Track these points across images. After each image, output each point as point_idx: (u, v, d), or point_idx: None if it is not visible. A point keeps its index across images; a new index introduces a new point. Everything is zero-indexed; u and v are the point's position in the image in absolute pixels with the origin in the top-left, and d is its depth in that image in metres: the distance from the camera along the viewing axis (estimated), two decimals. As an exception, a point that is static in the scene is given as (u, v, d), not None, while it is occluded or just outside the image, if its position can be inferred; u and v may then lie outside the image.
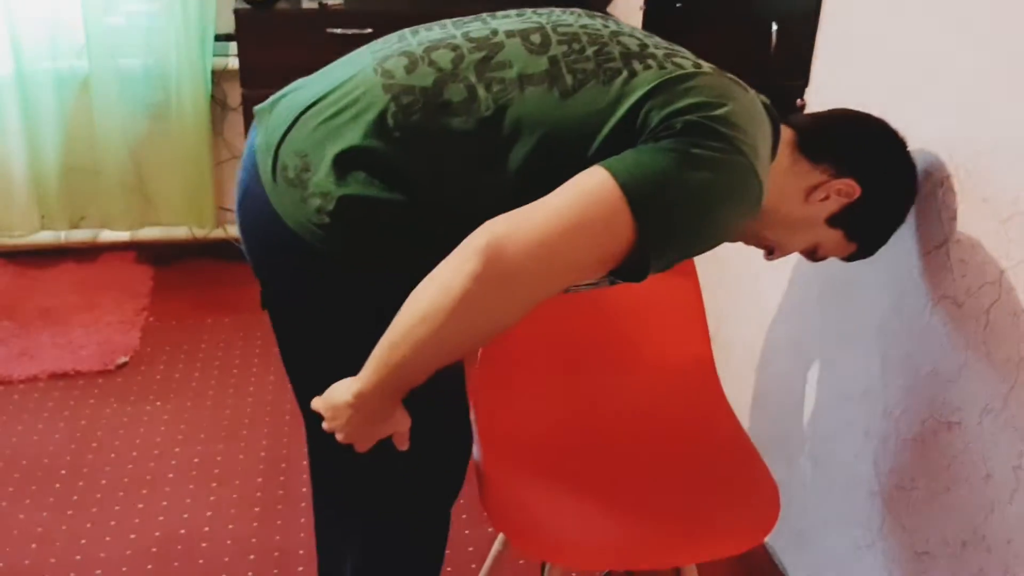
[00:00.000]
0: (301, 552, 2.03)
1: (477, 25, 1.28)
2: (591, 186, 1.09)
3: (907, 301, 1.50)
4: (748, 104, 1.21)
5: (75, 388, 2.56)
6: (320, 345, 1.30)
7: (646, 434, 1.69)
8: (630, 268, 1.11)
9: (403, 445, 1.26)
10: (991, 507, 1.33)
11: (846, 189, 1.31)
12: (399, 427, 1.24)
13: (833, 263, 1.70)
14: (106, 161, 3.07)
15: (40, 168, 3.06)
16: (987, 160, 1.30)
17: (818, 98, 1.73)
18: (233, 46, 2.99)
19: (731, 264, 2.17)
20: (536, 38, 1.23)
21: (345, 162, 1.18)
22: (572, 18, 1.29)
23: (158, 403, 2.52)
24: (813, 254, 1.41)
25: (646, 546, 1.46)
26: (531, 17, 1.29)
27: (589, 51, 1.22)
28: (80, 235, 3.23)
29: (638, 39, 1.25)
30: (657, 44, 1.26)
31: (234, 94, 3.12)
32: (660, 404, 1.74)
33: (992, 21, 1.28)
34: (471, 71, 1.20)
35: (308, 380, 1.36)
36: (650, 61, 1.21)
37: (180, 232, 3.27)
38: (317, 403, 1.24)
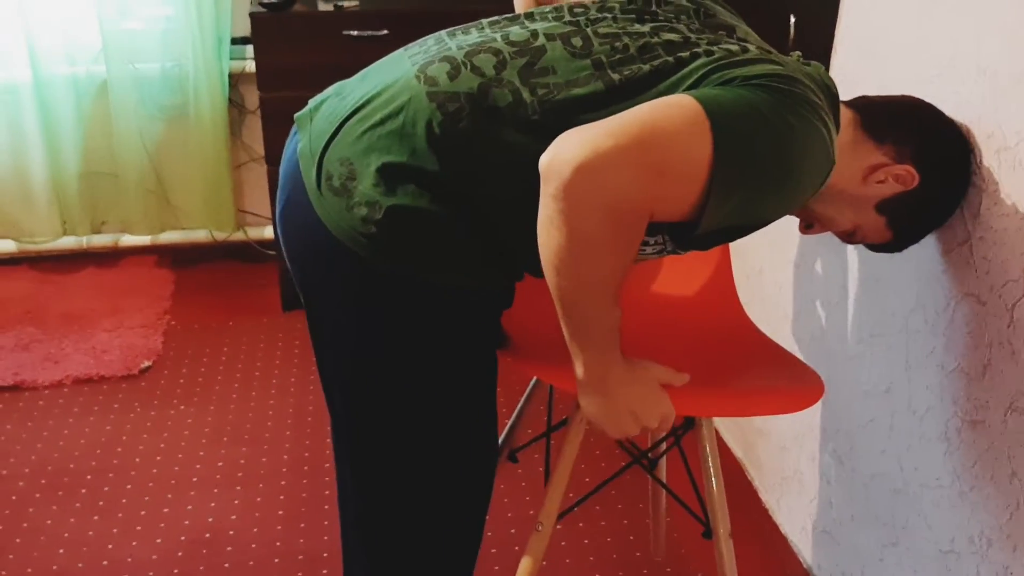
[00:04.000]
0: (325, 555, 2.04)
1: (516, 28, 1.27)
2: (671, 100, 1.08)
3: (930, 298, 1.49)
4: (811, 73, 1.21)
5: (99, 393, 2.58)
6: (359, 353, 1.30)
7: (677, 348, 1.62)
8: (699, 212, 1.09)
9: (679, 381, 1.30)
10: (1017, 505, 1.32)
11: (906, 176, 1.29)
12: (662, 375, 1.28)
13: (859, 259, 1.69)
14: (125, 165, 3.09)
15: (60, 174, 3.08)
16: (1010, 156, 1.29)
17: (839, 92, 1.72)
18: (250, 49, 3.00)
19: (754, 258, 2.16)
20: (577, 41, 1.22)
21: (392, 173, 1.18)
22: (610, 16, 1.27)
23: (182, 407, 2.54)
24: (851, 236, 1.39)
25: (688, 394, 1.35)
26: (569, 18, 1.27)
27: (632, 49, 1.20)
28: (101, 240, 3.25)
29: (680, 33, 1.23)
30: (701, 30, 1.25)
31: (251, 97, 3.13)
32: (688, 330, 1.70)
33: (1017, 11, 1.27)
34: (515, 76, 1.19)
35: (345, 387, 1.36)
36: (696, 50, 1.19)
37: (200, 235, 3.28)
38: (614, 436, 1.27)
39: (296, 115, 1.34)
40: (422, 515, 1.39)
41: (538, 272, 1.21)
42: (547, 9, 1.31)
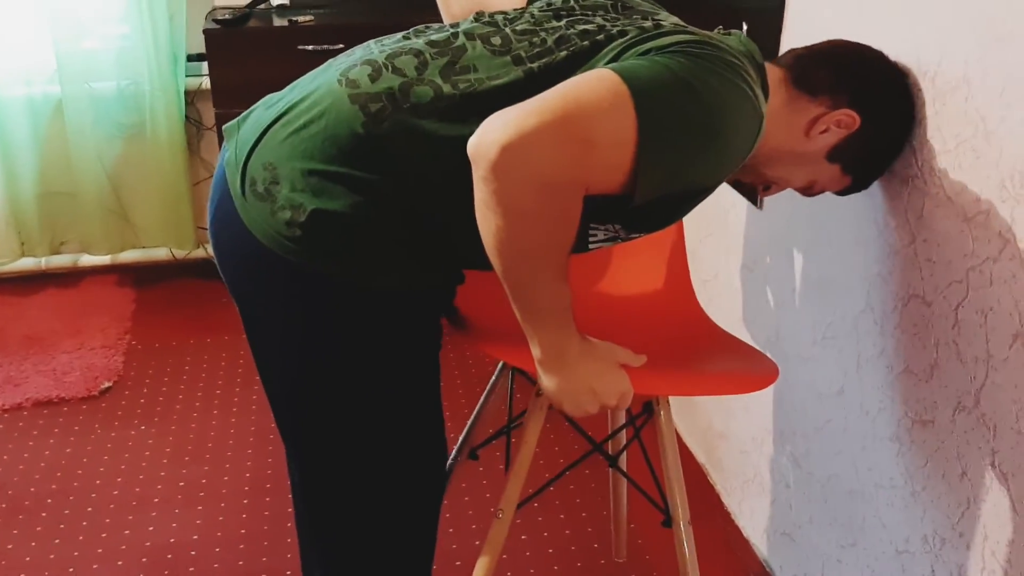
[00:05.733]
0: (288, 573, 2.03)
1: (436, 30, 1.29)
2: (590, 74, 1.09)
3: (878, 300, 1.51)
4: (731, 44, 1.22)
5: (60, 415, 2.55)
6: (296, 359, 1.30)
7: (634, 336, 1.60)
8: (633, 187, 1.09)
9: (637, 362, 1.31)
10: (968, 504, 1.34)
11: (846, 119, 1.29)
12: (620, 355, 1.28)
13: (809, 262, 1.71)
14: (83, 185, 3.07)
15: (17, 195, 3.05)
16: (951, 159, 1.31)
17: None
18: (206, 66, 2.98)
19: (708, 264, 2.17)
20: (497, 40, 1.23)
21: (317, 177, 1.18)
22: (528, 15, 1.29)
23: (143, 427, 2.51)
24: (809, 190, 1.40)
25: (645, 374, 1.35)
26: (488, 19, 1.29)
27: (550, 42, 1.21)
28: (61, 260, 3.22)
29: (595, 23, 1.24)
30: (616, 19, 1.26)
31: (209, 114, 3.11)
32: (645, 320, 1.71)
33: (951, 15, 1.29)
34: (436, 75, 1.20)
35: (284, 395, 1.36)
36: (611, 32, 1.20)
37: (160, 253, 3.26)
38: (570, 414, 1.28)
39: (224, 127, 1.34)
40: (373, 518, 1.40)
41: (479, 266, 1.22)
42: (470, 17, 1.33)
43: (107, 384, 2.68)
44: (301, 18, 2.78)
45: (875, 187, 1.48)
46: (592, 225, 1.23)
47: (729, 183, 1.26)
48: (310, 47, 2.72)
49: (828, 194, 1.61)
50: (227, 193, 1.26)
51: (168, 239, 3.21)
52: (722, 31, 1.30)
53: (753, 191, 1.88)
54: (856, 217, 1.54)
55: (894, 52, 1.39)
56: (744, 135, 1.16)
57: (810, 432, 1.77)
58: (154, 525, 2.16)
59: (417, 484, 1.41)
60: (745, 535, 2.10)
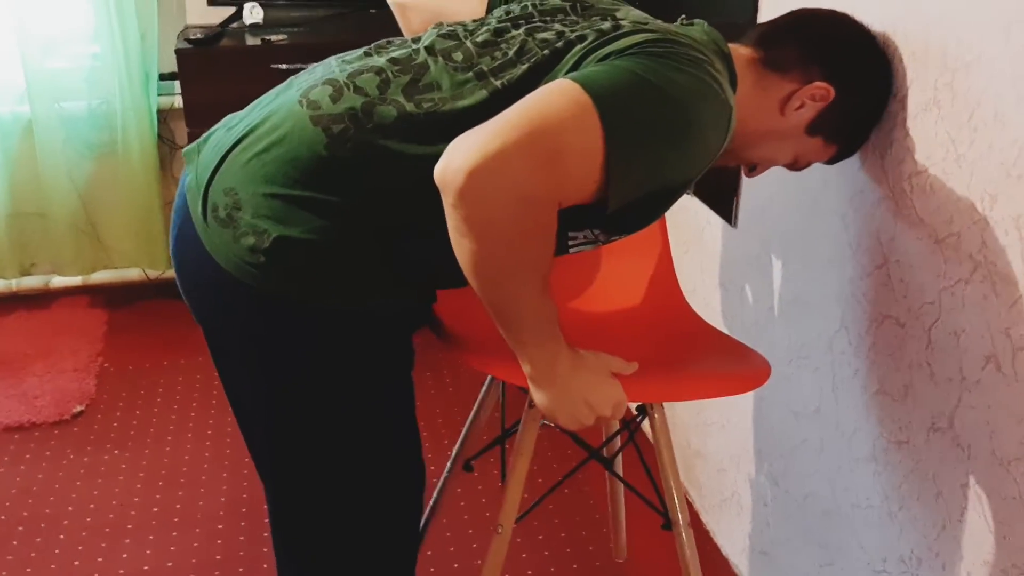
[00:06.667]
0: (265, 598, 2.01)
1: (399, 48, 1.27)
2: (549, 87, 1.08)
3: (852, 321, 1.51)
4: (694, 34, 1.21)
5: (31, 440, 2.52)
6: (264, 385, 1.28)
7: (624, 341, 1.62)
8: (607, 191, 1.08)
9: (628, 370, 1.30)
10: (943, 524, 1.34)
11: (820, 92, 1.27)
12: (611, 364, 1.28)
13: (785, 281, 1.71)
14: (54, 206, 3.03)
15: (-14, 216, 3.02)
16: (921, 181, 1.31)
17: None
18: (179, 85, 2.97)
19: (684, 280, 2.17)
20: (459, 55, 1.22)
21: (278, 201, 1.17)
22: (487, 26, 1.27)
23: (115, 451, 2.48)
24: (795, 165, 1.39)
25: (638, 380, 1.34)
26: (447, 31, 1.28)
27: (511, 53, 1.20)
28: (31, 282, 3.18)
29: (554, 30, 1.23)
30: (576, 22, 1.25)
31: (181, 133, 3.09)
32: (634, 324, 1.70)
33: (928, 52, 1.30)
34: (399, 94, 1.18)
35: (254, 422, 1.35)
36: (570, 38, 1.19)
37: (133, 274, 3.23)
38: (568, 427, 1.27)
39: (184, 151, 1.33)
40: (350, 541, 1.38)
41: (452, 284, 1.21)
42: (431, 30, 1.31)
43: (79, 408, 2.65)
44: (274, 37, 2.76)
45: (847, 207, 1.49)
46: (571, 233, 1.22)
47: (713, 168, 1.25)
48: (283, 66, 2.71)
49: (800, 210, 1.62)
50: (188, 218, 1.24)
51: (141, 259, 3.18)
52: (684, 21, 1.30)
53: (730, 197, 1.88)
54: (829, 238, 1.55)
55: (865, 74, 1.39)
56: (714, 129, 1.15)
57: (787, 451, 1.77)
58: (128, 552, 2.13)
59: (394, 506, 1.40)
60: (723, 553, 2.09)
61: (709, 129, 1.14)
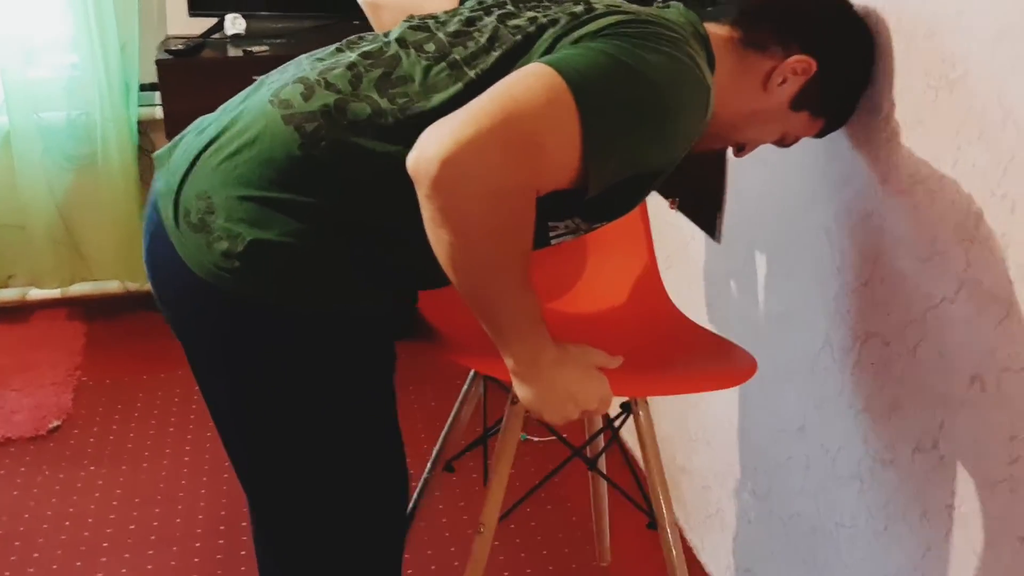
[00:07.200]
0: (243, 618, 1.98)
1: (370, 41, 1.25)
2: (522, 71, 1.05)
3: (837, 338, 1.50)
4: (670, 16, 1.20)
5: (6, 456, 2.48)
6: (243, 394, 1.26)
7: (609, 337, 1.60)
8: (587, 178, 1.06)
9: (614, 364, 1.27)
10: (928, 545, 1.33)
11: (801, 66, 1.26)
12: (596, 358, 1.25)
13: (768, 297, 1.70)
14: (32, 217, 3.00)
15: (-37, 228, 2.98)
16: (906, 199, 1.30)
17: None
18: (159, 95, 2.94)
19: (668, 292, 2.16)
20: (431, 46, 1.20)
21: (253, 203, 1.15)
22: (458, 16, 1.25)
23: (92, 467, 2.45)
24: (783, 142, 1.38)
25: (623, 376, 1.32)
26: (419, 23, 1.26)
27: (483, 40, 1.18)
28: (9, 294, 3.14)
29: (526, 16, 1.21)
30: (549, 7, 1.23)
31: (162, 144, 3.05)
32: (618, 321, 1.69)
33: (911, 70, 1.29)
34: (372, 89, 1.16)
35: (234, 430, 1.32)
36: (542, 22, 1.18)
37: (112, 286, 3.19)
38: (551, 421, 1.24)
39: (155, 155, 1.31)
40: (334, 553, 1.36)
41: (434, 283, 1.19)
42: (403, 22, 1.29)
43: (56, 423, 2.61)
44: (256, 48, 2.74)
45: (832, 223, 1.48)
46: (551, 224, 1.20)
47: (700, 151, 1.24)
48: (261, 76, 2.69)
49: (784, 226, 1.61)
50: (160, 225, 1.22)
51: (120, 271, 3.14)
52: (660, 4, 1.29)
53: (713, 216, 1.87)
54: (814, 254, 1.54)
55: (849, 91, 1.39)
56: (693, 108, 1.13)
57: (771, 468, 1.75)
58: (103, 571, 2.10)
59: (377, 513, 1.38)
60: (707, 571, 2.08)
61: (687, 109, 1.12)
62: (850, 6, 1.34)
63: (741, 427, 1.87)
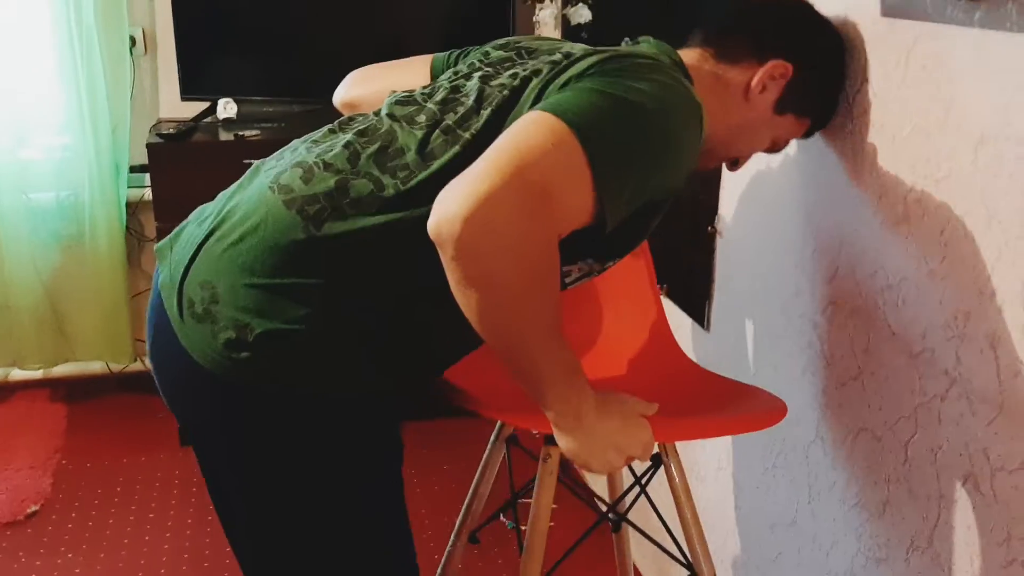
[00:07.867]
0: None
1: (361, 120, 1.27)
2: (521, 121, 1.07)
3: (828, 431, 1.49)
4: (644, 51, 1.22)
5: (-19, 542, 2.42)
6: (245, 482, 1.24)
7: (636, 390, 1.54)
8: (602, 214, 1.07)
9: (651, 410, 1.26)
10: (925, 647, 1.30)
11: (779, 70, 1.29)
12: (635, 405, 1.23)
13: (759, 385, 1.69)
14: (18, 296, 2.98)
15: (-53, 307, 2.96)
16: (893, 294, 1.31)
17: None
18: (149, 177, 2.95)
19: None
20: (421, 117, 1.21)
21: (259, 291, 1.14)
22: (441, 85, 1.27)
23: (69, 555, 2.39)
24: (774, 147, 1.39)
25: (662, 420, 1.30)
26: (404, 96, 1.27)
27: (471, 102, 1.20)
28: (-10, 375, 3.11)
29: (506, 75, 1.24)
30: (525, 63, 1.26)
31: (151, 225, 3.06)
32: (640, 376, 1.68)
33: (897, 166, 1.30)
34: (371, 165, 1.17)
35: (240, 521, 1.30)
36: (524, 75, 1.20)
37: (96, 367, 3.17)
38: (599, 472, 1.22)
39: (156, 247, 1.30)
40: None
41: (448, 358, 1.20)
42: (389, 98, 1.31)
43: (34, 508, 2.56)
44: (248, 133, 2.76)
45: (820, 317, 1.48)
46: (565, 267, 1.20)
47: (698, 170, 1.25)
48: (256, 162, 2.70)
49: (773, 316, 1.61)
50: (164, 315, 1.21)
51: (104, 352, 3.11)
52: (629, 42, 1.31)
53: (703, 301, 1.87)
54: (802, 346, 1.53)
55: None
56: (690, 125, 1.15)
57: (764, 563, 1.73)
58: (77, 665, 2.04)
59: None
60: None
61: (686, 127, 1.15)
62: (813, 8, 1.38)
63: (733, 520, 1.84)
